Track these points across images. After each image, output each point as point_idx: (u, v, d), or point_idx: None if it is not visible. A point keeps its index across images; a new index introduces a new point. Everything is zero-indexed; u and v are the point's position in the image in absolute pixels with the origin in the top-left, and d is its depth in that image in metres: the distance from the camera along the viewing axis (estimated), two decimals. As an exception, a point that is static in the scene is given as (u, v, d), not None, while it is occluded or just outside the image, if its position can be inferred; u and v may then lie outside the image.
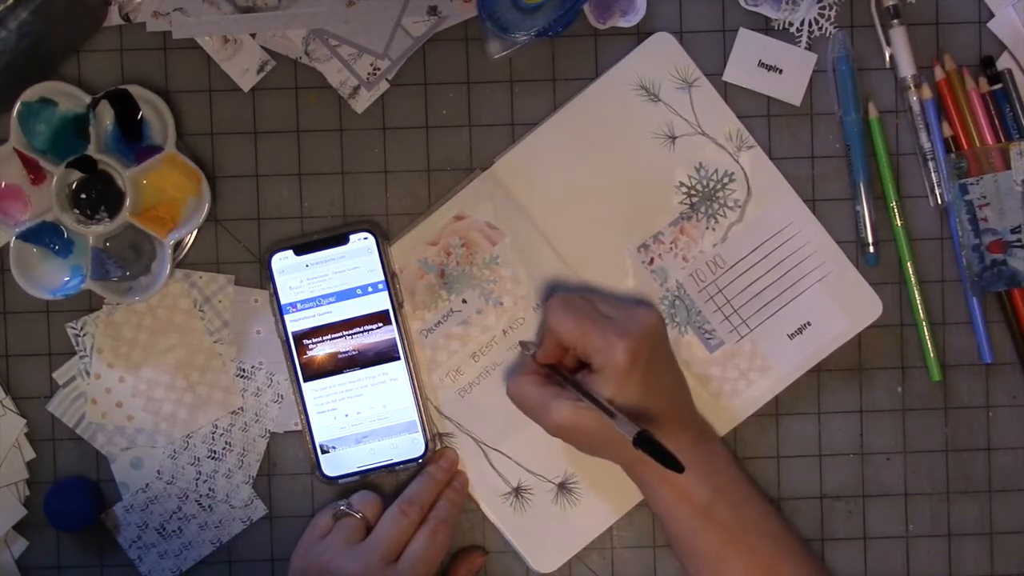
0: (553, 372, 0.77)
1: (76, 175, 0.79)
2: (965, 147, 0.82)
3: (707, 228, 0.82)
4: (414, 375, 0.80)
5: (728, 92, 0.82)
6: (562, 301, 0.76)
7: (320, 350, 0.80)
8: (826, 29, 0.82)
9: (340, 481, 0.80)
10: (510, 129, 0.82)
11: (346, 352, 0.80)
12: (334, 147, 0.82)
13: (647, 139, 0.81)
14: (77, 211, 0.79)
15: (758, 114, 0.82)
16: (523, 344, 0.80)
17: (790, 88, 0.82)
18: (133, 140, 0.80)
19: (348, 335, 0.80)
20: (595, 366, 0.74)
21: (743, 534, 0.76)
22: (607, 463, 0.80)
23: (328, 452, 0.80)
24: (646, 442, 0.69)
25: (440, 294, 0.82)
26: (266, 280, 0.80)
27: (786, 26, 0.82)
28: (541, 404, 0.75)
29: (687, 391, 0.80)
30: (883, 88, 0.82)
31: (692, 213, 0.82)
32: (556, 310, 0.76)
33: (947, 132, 0.82)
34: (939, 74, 0.82)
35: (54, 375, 0.81)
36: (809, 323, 0.82)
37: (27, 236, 0.78)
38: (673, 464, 0.69)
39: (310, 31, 0.81)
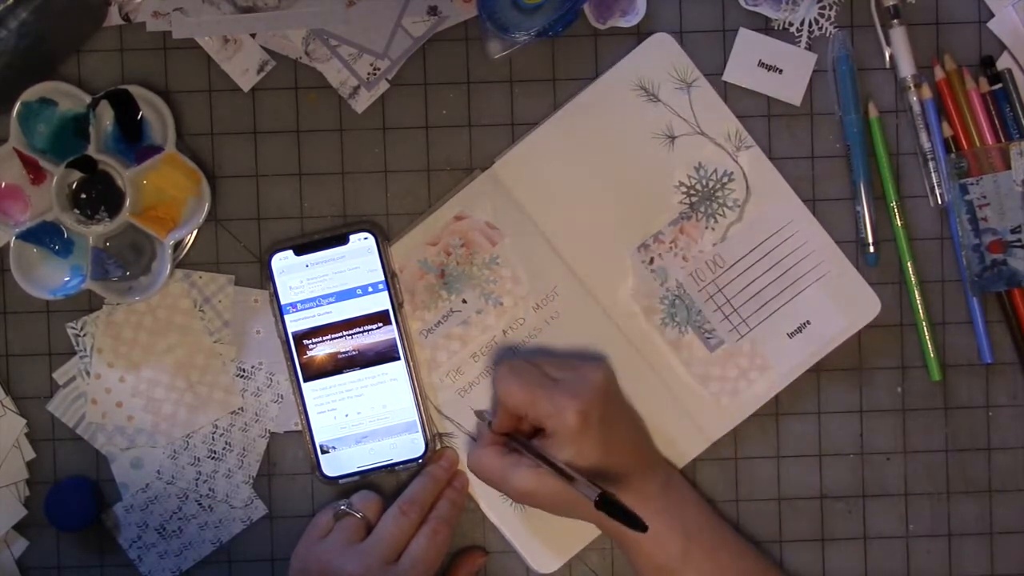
0: (510, 440, 0.77)
1: (76, 175, 0.79)
2: (965, 147, 0.82)
3: (707, 228, 0.82)
4: (414, 375, 0.80)
5: (728, 92, 0.82)
6: (508, 369, 0.76)
7: (320, 350, 0.80)
8: (826, 29, 0.82)
9: (340, 481, 0.80)
10: (510, 129, 0.82)
11: (346, 352, 0.80)
12: (334, 147, 0.82)
13: (647, 139, 0.81)
14: (77, 211, 0.79)
15: (758, 114, 0.82)
16: (478, 414, 0.80)
17: (790, 88, 0.82)
18: (133, 140, 0.80)
19: (348, 335, 0.80)
20: (548, 431, 0.74)
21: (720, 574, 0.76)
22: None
23: (328, 452, 0.80)
24: (608, 504, 0.69)
25: (440, 294, 0.82)
26: (266, 280, 0.80)
27: (786, 26, 0.82)
28: (501, 475, 0.75)
29: (648, 440, 0.80)
30: (883, 88, 0.83)
31: (692, 213, 0.82)
32: (503, 380, 0.75)
33: (947, 132, 0.82)
34: (939, 74, 0.82)
35: (54, 375, 0.81)
36: (808, 322, 0.82)
37: (27, 236, 0.78)
38: (635, 523, 0.68)
39: (310, 31, 0.81)
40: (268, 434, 0.82)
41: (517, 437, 0.77)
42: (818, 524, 0.83)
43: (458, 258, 0.82)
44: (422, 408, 0.80)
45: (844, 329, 0.82)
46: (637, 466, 0.76)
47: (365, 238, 0.80)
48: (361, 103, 0.81)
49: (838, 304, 0.82)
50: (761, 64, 0.82)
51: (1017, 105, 0.81)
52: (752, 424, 0.82)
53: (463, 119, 0.82)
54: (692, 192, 0.82)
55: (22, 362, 0.82)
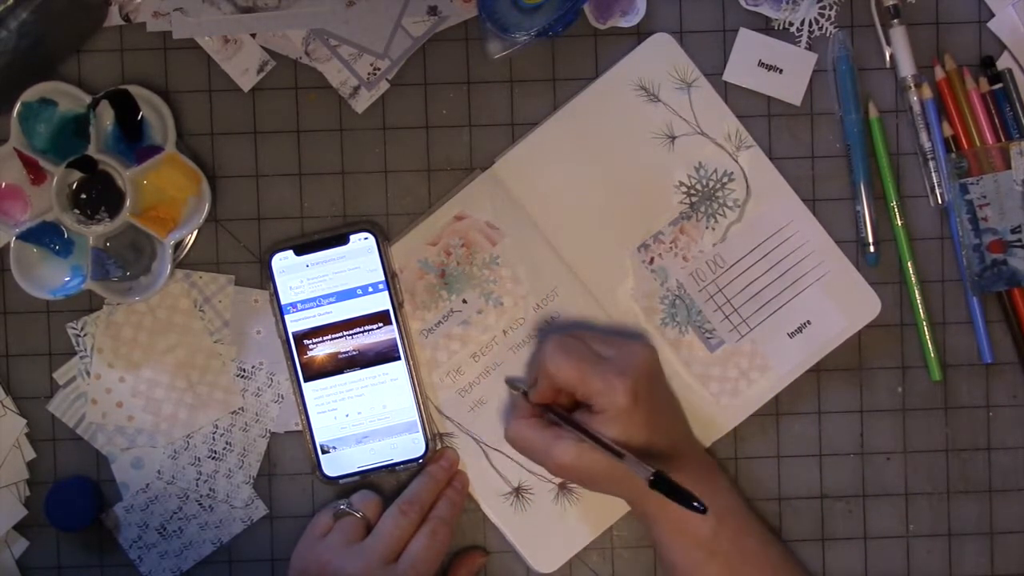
0: (549, 412, 0.76)
1: (76, 175, 0.79)
2: (965, 147, 0.82)
3: (707, 228, 0.82)
4: (414, 375, 0.80)
5: (728, 92, 0.82)
6: (558, 344, 0.75)
7: (320, 350, 0.80)
8: (826, 29, 0.82)
9: (340, 481, 0.80)
10: (510, 129, 0.82)
11: (346, 352, 0.80)
12: (334, 147, 0.82)
13: (647, 139, 0.81)
14: (77, 211, 0.79)
15: (758, 114, 0.82)
16: (511, 383, 0.80)
17: (790, 88, 0.82)
18: (133, 140, 0.80)
19: (348, 335, 0.80)
20: (597, 408, 0.74)
21: (744, 565, 0.76)
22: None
23: (328, 452, 0.80)
24: (662, 483, 0.69)
25: (440, 294, 0.82)
26: (266, 280, 0.80)
27: (786, 26, 0.82)
28: (543, 447, 0.75)
29: (686, 422, 0.80)
30: (883, 88, 0.83)
31: (692, 213, 0.82)
32: (553, 355, 0.75)
33: (947, 132, 0.82)
34: (939, 74, 0.82)
35: (54, 375, 0.81)
36: (809, 322, 0.82)
37: (27, 236, 0.78)
38: (692, 503, 0.69)
39: (310, 31, 0.81)
40: (268, 434, 0.82)
41: (558, 411, 0.76)
42: (818, 524, 0.83)
43: (458, 258, 0.82)
44: (422, 408, 0.80)
45: (844, 329, 0.82)
46: (676, 447, 0.76)
47: (365, 238, 0.80)
48: (361, 103, 0.81)
49: (838, 304, 0.82)
50: (761, 64, 0.82)
51: (1017, 105, 0.81)
52: (752, 424, 0.82)
53: (463, 119, 0.82)
54: (692, 192, 0.82)
55: (22, 362, 0.82)
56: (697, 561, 0.76)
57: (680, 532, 0.76)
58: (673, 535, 0.76)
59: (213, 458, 0.82)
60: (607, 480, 0.75)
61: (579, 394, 0.75)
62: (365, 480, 0.81)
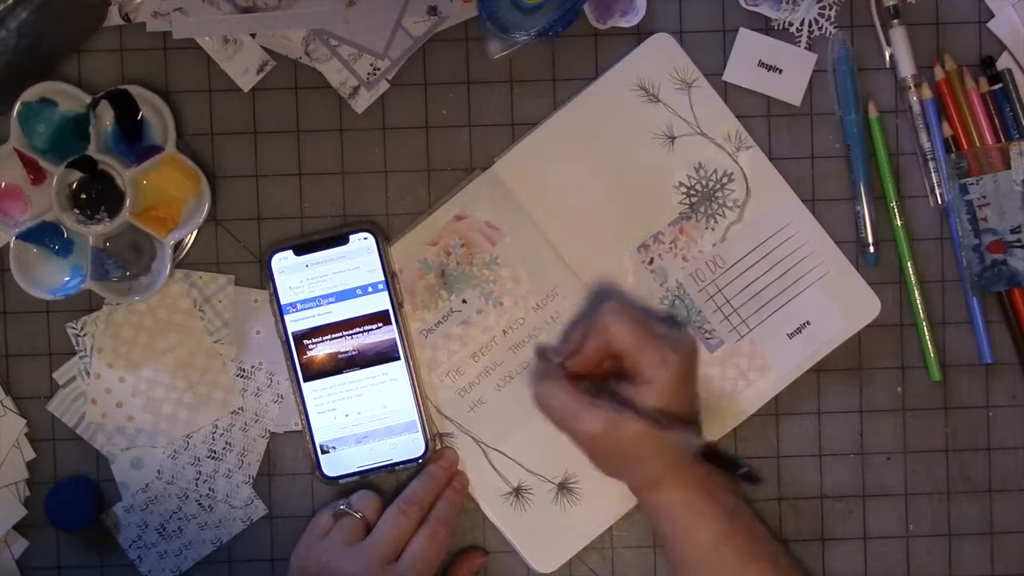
0: (585, 383, 0.77)
1: (76, 175, 0.79)
2: (965, 147, 0.82)
3: (706, 228, 0.82)
4: (414, 375, 0.80)
5: (728, 92, 0.82)
6: (621, 308, 0.76)
7: (320, 350, 0.80)
8: (826, 29, 0.82)
9: (340, 481, 0.80)
10: (510, 129, 0.82)
11: (346, 352, 0.80)
12: (334, 147, 0.82)
13: (646, 139, 0.81)
14: (77, 211, 0.79)
15: (758, 114, 0.82)
16: (541, 351, 0.80)
17: (790, 88, 0.82)
18: (133, 140, 0.80)
19: (348, 335, 0.80)
20: (645, 378, 0.74)
21: (753, 559, 0.76)
22: (607, 463, 0.81)
23: (328, 452, 0.80)
24: (713, 454, 0.70)
25: (440, 294, 0.82)
26: (266, 280, 0.80)
27: (786, 26, 0.82)
28: (574, 412, 0.75)
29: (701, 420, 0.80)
30: (883, 88, 0.83)
31: (691, 213, 0.82)
32: (616, 318, 0.75)
33: (947, 132, 0.82)
34: (939, 74, 0.82)
35: (54, 375, 0.81)
36: (808, 322, 0.82)
37: (27, 236, 0.78)
38: (745, 474, 0.69)
39: (310, 31, 0.81)
40: (268, 434, 0.82)
41: (596, 382, 0.77)
42: (818, 524, 0.83)
43: (458, 258, 0.82)
44: (422, 408, 0.80)
45: (844, 330, 0.82)
46: (698, 437, 0.76)
47: (365, 238, 0.80)
48: (361, 103, 0.81)
49: (838, 304, 0.82)
50: (761, 64, 0.82)
51: (1017, 105, 0.81)
52: (752, 424, 0.82)
53: (463, 119, 0.82)
54: (692, 192, 0.82)
55: (22, 362, 0.82)
56: (709, 555, 0.75)
57: (694, 526, 0.75)
58: (687, 529, 0.76)
59: (213, 458, 0.82)
60: (627, 457, 0.74)
61: (630, 361, 0.75)
62: (365, 480, 0.81)
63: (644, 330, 0.75)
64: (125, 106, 0.79)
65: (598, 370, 0.77)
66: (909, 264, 0.82)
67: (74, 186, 0.79)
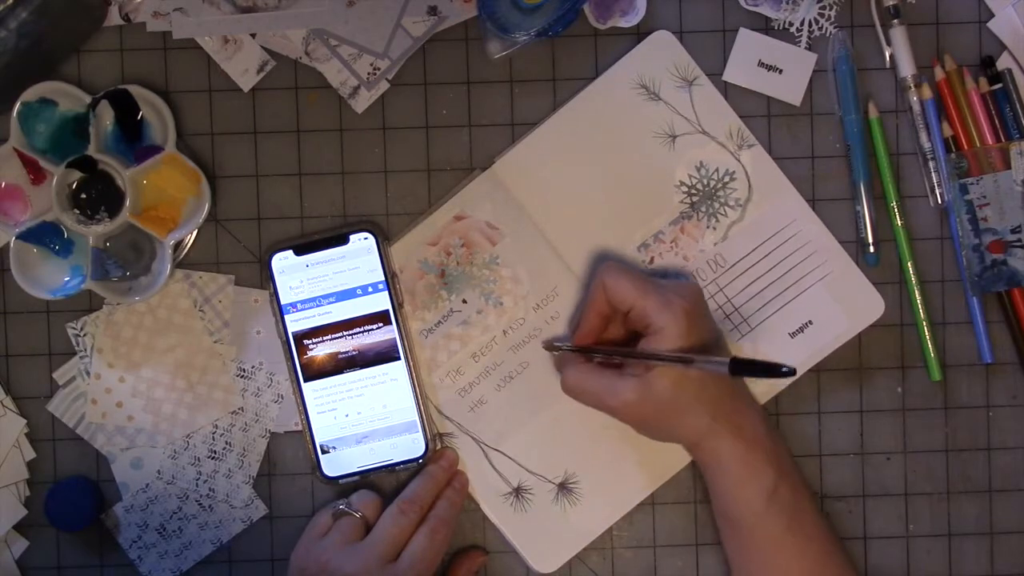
0: (599, 353, 0.77)
1: (76, 175, 0.79)
2: (965, 147, 0.82)
3: (708, 227, 0.82)
4: (414, 375, 0.80)
5: (728, 92, 0.82)
6: (615, 266, 0.76)
7: (320, 350, 0.80)
8: (826, 29, 0.82)
9: (340, 481, 0.80)
10: (510, 129, 0.82)
11: (346, 352, 0.80)
12: (334, 147, 0.82)
13: (647, 138, 0.81)
14: (77, 211, 0.79)
15: (758, 114, 0.82)
16: (551, 344, 0.80)
17: (790, 88, 0.82)
18: (133, 140, 0.80)
19: (348, 335, 0.80)
20: (655, 326, 0.74)
21: (801, 521, 0.76)
22: (609, 464, 0.81)
23: (328, 452, 0.80)
24: (742, 365, 0.69)
25: (440, 294, 0.82)
26: (266, 280, 0.80)
27: (786, 26, 0.82)
28: (607, 387, 0.75)
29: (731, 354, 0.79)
30: (883, 88, 0.83)
31: (693, 212, 0.82)
32: (613, 275, 0.75)
33: (947, 132, 0.82)
34: (939, 74, 0.82)
35: (54, 375, 0.81)
36: (810, 322, 0.82)
37: (27, 236, 0.78)
38: (780, 371, 0.68)
39: (310, 31, 0.81)
40: (268, 434, 0.82)
41: (607, 347, 0.77)
42: (818, 524, 0.83)
43: (458, 258, 0.81)
44: (422, 408, 0.80)
45: (847, 330, 0.82)
46: (727, 387, 0.76)
47: (365, 238, 0.80)
48: (361, 103, 0.81)
49: (841, 305, 0.82)
50: (761, 64, 0.82)
51: (1017, 105, 0.81)
52: (752, 424, 0.82)
53: (463, 119, 0.82)
54: (693, 192, 0.82)
55: (22, 362, 0.82)
56: (758, 513, 0.75)
57: (745, 481, 0.75)
58: (737, 484, 0.75)
59: (213, 458, 0.81)
60: (671, 414, 0.74)
61: (635, 311, 0.75)
62: (365, 480, 0.81)
63: (642, 280, 0.75)
64: (125, 106, 0.79)
65: (607, 335, 0.77)
66: (909, 264, 0.82)
67: (74, 186, 0.79)
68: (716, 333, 0.79)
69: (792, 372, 0.68)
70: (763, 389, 0.82)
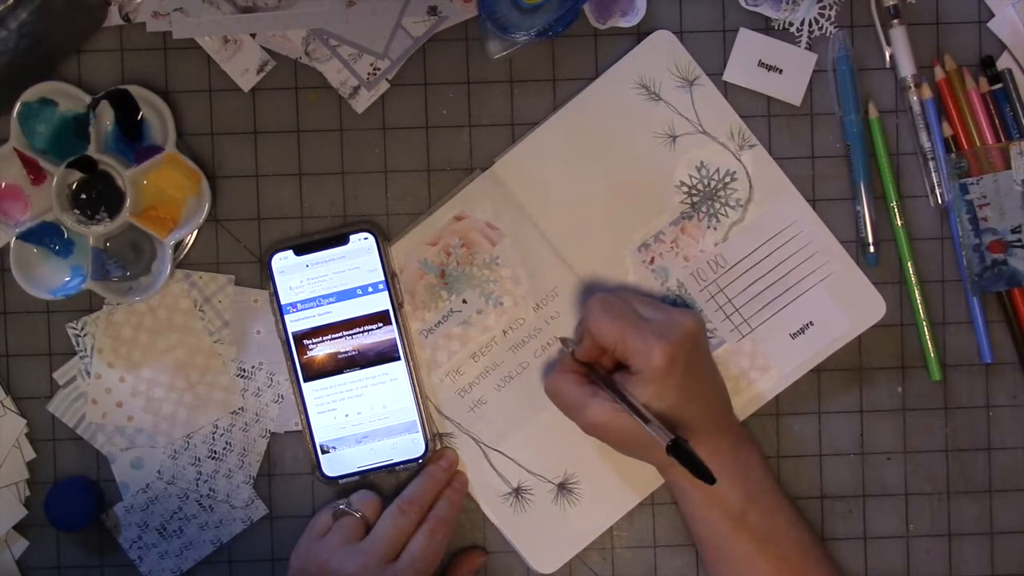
0: (590, 371, 0.77)
1: (76, 175, 0.79)
2: (965, 147, 0.82)
3: (708, 227, 0.82)
4: (414, 375, 0.80)
5: (728, 92, 0.82)
6: (601, 302, 0.76)
7: (320, 350, 0.80)
8: (826, 29, 0.82)
9: (340, 481, 0.80)
10: (510, 129, 0.82)
11: (346, 352, 0.80)
12: (334, 147, 0.82)
13: (648, 138, 0.81)
14: (77, 211, 0.79)
15: (758, 114, 0.82)
16: (563, 340, 0.80)
17: (790, 88, 0.82)
18: (133, 140, 0.80)
19: (348, 335, 0.80)
20: (633, 368, 0.74)
21: (773, 542, 0.76)
22: (609, 464, 0.81)
23: (328, 452, 0.80)
24: (679, 450, 0.70)
25: (440, 294, 0.82)
26: (266, 280, 0.80)
27: (786, 26, 0.82)
28: (578, 403, 0.75)
29: (726, 395, 0.80)
30: (883, 88, 0.83)
31: (693, 212, 0.82)
32: (595, 312, 0.75)
33: (947, 132, 0.82)
34: (939, 74, 0.82)
35: (54, 375, 0.81)
36: (811, 323, 0.82)
37: (27, 236, 0.78)
38: (704, 475, 0.70)
39: (310, 31, 0.81)
40: (268, 434, 0.82)
41: (597, 370, 0.77)
42: (818, 524, 0.83)
43: (458, 258, 0.81)
44: (422, 408, 0.80)
45: (848, 330, 0.82)
46: (711, 420, 0.76)
47: (365, 238, 0.80)
48: (361, 103, 0.81)
49: (842, 305, 0.82)
50: (761, 64, 0.82)
51: (1017, 105, 0.81)
52: (752, 424, 0.82)
53: (463, 119, 0.82)
54: (693, 192, 0.82)
55: (22, 362, 0.82)
56: (725, 535, 0.76)
57: (709, 505, 0.76)
58: (702, 507, 0.76)
59: (213, 458, 0.81)
60: (634, 444, 0.75)
61: (618, 352, 0.75)
62: (365, 480, 0.81)
63: (625, 320, 0.75)
64: (125, 106, 0.79)
65: (602, 361, 0.78)
66: (909, 264, 0.82)
67: (74, 186, 0.79)
68: (708, 374, 0.78)
69: (712, 481, 0.70)
70: (763, 390, 0.82)
